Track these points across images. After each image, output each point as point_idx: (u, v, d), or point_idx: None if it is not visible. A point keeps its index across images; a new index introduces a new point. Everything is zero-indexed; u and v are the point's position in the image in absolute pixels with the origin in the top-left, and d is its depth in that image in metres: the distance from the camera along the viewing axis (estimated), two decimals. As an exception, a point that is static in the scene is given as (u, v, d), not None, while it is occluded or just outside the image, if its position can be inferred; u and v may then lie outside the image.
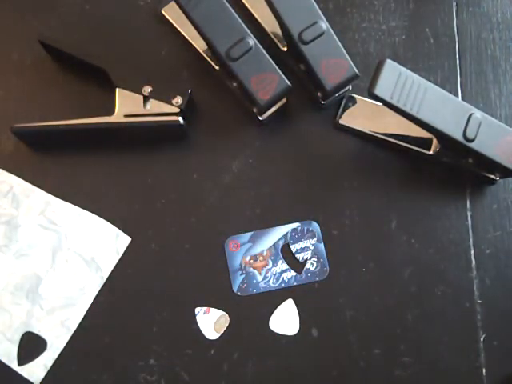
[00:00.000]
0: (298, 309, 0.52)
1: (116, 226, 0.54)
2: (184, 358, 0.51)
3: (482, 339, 0.52)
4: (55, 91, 0.56)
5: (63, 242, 0.53)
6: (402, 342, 0.52)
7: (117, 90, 0.53)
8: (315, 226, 0.54)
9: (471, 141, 0.48)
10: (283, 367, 0.51)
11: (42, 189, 0.54)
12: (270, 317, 0.52)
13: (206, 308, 0.52)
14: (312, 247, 0.53)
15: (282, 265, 0.53)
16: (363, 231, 0.54)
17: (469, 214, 0.54)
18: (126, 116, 0.52)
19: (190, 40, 0.57)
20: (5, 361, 0.51)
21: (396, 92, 0.47)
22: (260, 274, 0.53)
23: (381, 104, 0.48)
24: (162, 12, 0.58)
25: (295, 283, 0.53)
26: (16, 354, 0.51)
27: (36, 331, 0.52)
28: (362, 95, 0.56)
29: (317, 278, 0.53)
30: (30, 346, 0.51)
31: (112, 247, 0.53)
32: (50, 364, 0.51)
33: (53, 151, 0.55)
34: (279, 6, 0.51)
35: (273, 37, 0.56)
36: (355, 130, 0.55)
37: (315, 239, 0.54)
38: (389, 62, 0.47)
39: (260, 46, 0.51)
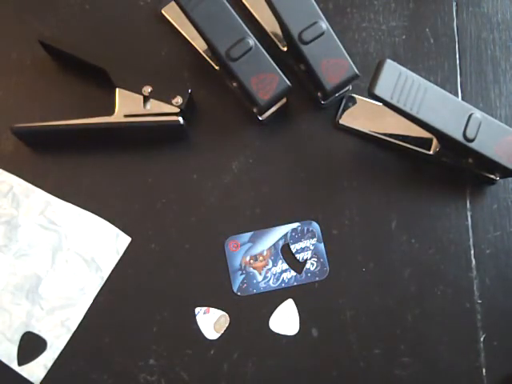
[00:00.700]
0: (298, 309, 0.52)
1: (116, 226, 0.54)
2: (184, 357, 0.51)
3: (482, 339, 0.52)
4: (55, 91, 0.56)
5: (63, 242, 0.53)
6: (402, 342, 0.52)
7: (117, 89, 0.53)
8: (315, 226, 0.54)
9: (471, 141, 0.48)
10: (283, 367, 0.51)
11: (42, 189, 0.54)
12: (269, 317, 0.52)
13: (206, 308, 0.52)
14: (312, 247, 0.53)
15: (282, 265, 0.53)
16: (363, 231, 0.54)
17: (469, 214, 0.54)
18: (126, 116, 0.52)
19: (190, 40, 0.57)
20: (5, 361, 0.51)
21: (396, 92, 0.47)
22: (260, 274, 0.53)
23: (381, 104, 0.48)
24: (162, 12, 0.58)
25: (295, 283, 0.53)
26: (16, 354, 0.51)
27: (36, 331, 0.52)
28: (362, 95, 0.56)
29: (317, 278, 0.53)
30: (30, 346, 0.51)
31: (112, 247, 0.53)
32: (49, 364, 0.51)
33: (53, 151, 0.55)
34: (279, 5, 0.51)
35: (273, 37, 0.56)
36: (355, 130, 0.55)
37: (315, 239, 0.54)
38: (389, 62, 0.47)
39: (260, 46, 0.51)
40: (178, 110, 0.52)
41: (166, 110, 0.52)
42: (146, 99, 0.53)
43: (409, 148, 0.55)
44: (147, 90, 0.52)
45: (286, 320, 0.52)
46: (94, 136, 0.54)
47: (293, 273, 0.53)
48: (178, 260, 0.53)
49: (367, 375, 0.51)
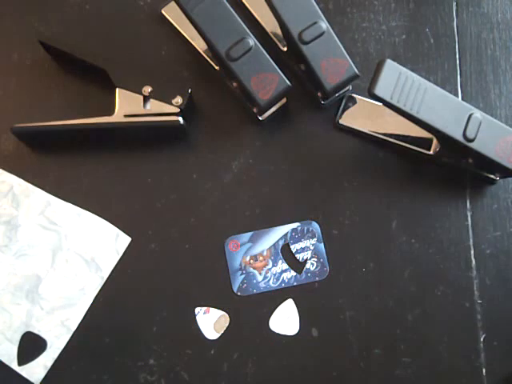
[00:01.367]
0: (298, 309, 0.52)
1: (116, 226, 0.54)
2: (184, 357, 0.51)
3: (482, 339, 0.52)
4: (55, 91, 0.56)
5: (63, 242, 0.53)
6: (402, 342, 0.52)
7: (117, 89, 0.53)
8: (315, 226, 0.54)
9: (471, 141, 0.48)
10: (283, 367, 0.51)
11: (42, 189, 0.54)
12: (270, 317, 0.52)
13: (205, 308, 0.52)
14: (312, 247, 0.53)
15: (282, 265, 0.53)
16: (363, 231, 0.54)
17: (469, 214, 0.54)
18: (125, 116, 0.52)
19: (190, 40, 0.57)
20: (5, 361, 0.51)
21: (396, 92, 0.47)
22: (260, 274, 0.53)
23: (381, 104, 0.48)
24: (162, 12, 0.58)
25: (295, 283, 0.53)
26: (16, 354, 0.51)
27: (36, 331, 0.52)
28: (362, 95, 0.56)
29: (317, 278, 0.53)
30: (30, 346, 0.51)
31: (112, 247, 0.53)
32: (49, 364, 0.51)
33: (53, 151, 0.55)
34: (279, 6, 0.51)
35: (273, 37, 0.56)
36: (355, 130, 0.55)
37: (315, 239, 0.54)
38: (389, 62, 0.47)
39: (260, 46, 0.51)
40: (178, 109, 0.52)
41: (165, 110, 0.52)
42: (145, 99, 0.53)
43: (409, 148, 0.55)
44: (147, 90, 0.52)
45: (285, 320, 0.52)
46: (94, 136, 0.54)
47: (293, 273, 0.53)
48: (178, 260, 0.53)
49: (367, 375, 0.51)
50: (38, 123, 0.52)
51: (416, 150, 0.54)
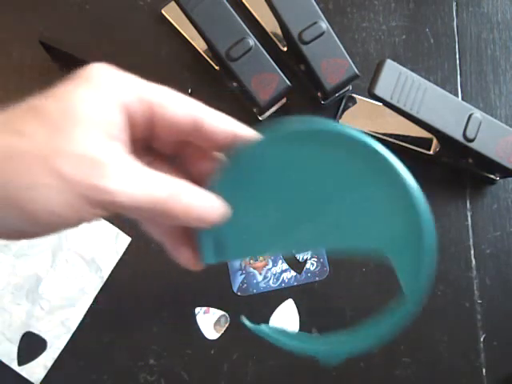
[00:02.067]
0: (297, 309, 0.52)
1: (116, 226, 0.54)
2: (184, 357, 0.51)
3: (482, 339, 0.52)
4: (55, 91, 0.56)
5: (63, 242, 0.53)
6: (402, 342, 0.52)
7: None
8: (315, 226, 0.54)
9: (471, 141, 0.48)
10: (283, 367, 0.51)
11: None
12: (270, 317, 0.52)
13: (205, 308, 0.52)
14: (312, 247, 0.54)
15: (282, 265, 0.53)
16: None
17: (469, 214, 0.54)
18: (126, 116, 0.52)
19: (190, 40, 0.57)
20: (5, 361, 0.51)
21: (396, 92, 0.47)
22: (260, 274, 0.53)
23: (381, 104, 0.48)
24: (162, 12, 0.58)
25: (295, 283, 0.53)
26: (16, 354, 0.51)
27: (36, 331, 0.52)
28: (362, 95, 0.56)
29: (317, 278, 0.53)
30: (30, 346, 0.51)
31: (112, 247, 0.53)
32: (49, 364, 0.51)
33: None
34: (279, 6, 0.51)
35: (273, 37, 0.56)
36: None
37: (315, 239, 0.54)
38: (389, 62, 0.47)
39: (260, 46, 0.51)
40: (178, 110, 0.52)
41: (166, 110, 0.52)
42: (146, 99, 0.52)
43: (409, 148, 0.55)
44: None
45: (286, 320, 0.52)
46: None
47: (293, 273, 0.53)
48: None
49: (367, 375, 0.51)
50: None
51: (416, 150, 0.54)
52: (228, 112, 0.31)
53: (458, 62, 0.58)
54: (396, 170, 0.27)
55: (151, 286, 0.53)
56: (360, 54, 0.58)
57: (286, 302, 0.52)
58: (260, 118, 0.55)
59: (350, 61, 0.52)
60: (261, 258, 0.53)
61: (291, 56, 0.55)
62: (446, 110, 0.48)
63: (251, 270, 0.53)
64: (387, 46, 0.58)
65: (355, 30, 0.59)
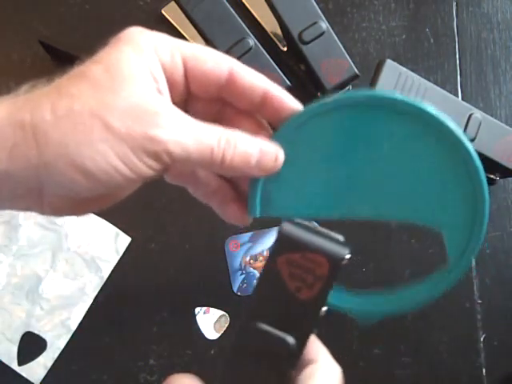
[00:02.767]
0: (298, 309, 0.52)
1: (116, 226, 0.54)
2: (184, 357, 0.51)
3: (482, 339, 0.52)
4: (55, 91, 0.56)
5: (63, 242, 0.53)
6: (401, 342, 0.52)
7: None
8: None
9: (471, 141, 0.48)
10: (283, 367, 0.51)
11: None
12: (270, 317, 0.52)
13: (205, 308, 0.52)
14: (312, 247, 0.53)
15: (282, 265, 0.53)
16: (363, 231, 0.54)
17: (469, 214, 0.54)
18: (126, 116, 0.52)
19: (190, 40, 0.57)
20: (5, 361, 0.51)
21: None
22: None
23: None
24: (162, 12, 0.58)
25: (295, 283, 0.53)
26: (16, 354, 0.51)
27: (36, 331, 0.52)
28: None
29: (317, 278, 0.53)
30: (30, 346, 0.51)
31: (112, 247, 0.53)
32: (49, 364, 0.51)
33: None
34: (279, 6, 0.51)
35: (273, 37, 0.56)
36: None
37: (315, 239, 0.54)
38: (389, 62, 0.47)
39: (260, 45, 0.51)
40: (178, 109, 0.52)
41: (166, 110, 0.52)
42: (146, 99, 0.52)
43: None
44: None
45: (286, 320, 0.52)
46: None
47: (293, 273, 0.53)
48: (178, 260, 0.53)
49: (367, 375, 0.51)
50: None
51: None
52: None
53: (458, 61, 0.58)
54: (460, 140, 0.27)
55: (151, 286, 0.53)
56: (360, 54, 0.58)
57: (286, 301, 0.52)
58: (260, 118, 0.55)
59: (350, 61, 0.52)
60: (261, 257, 0.53)
61: (291, 56, 0.55)
62: (445, 110, 0.48)
63: (251, 269, 0.53)
64: (387, 46, 0.58)
65: (355, 30, 0.59)
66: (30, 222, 0.53)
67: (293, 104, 0.30)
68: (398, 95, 0.28)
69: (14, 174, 0.24)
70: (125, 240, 0.53)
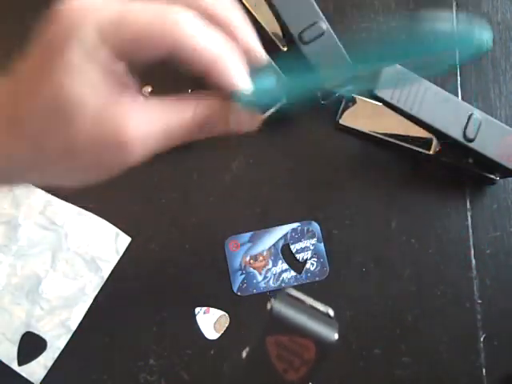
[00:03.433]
0: (298, 309, 0.52)
1: (116, 226, 0.54)
2: (184, 357, 0.51)
3: (482, 339, 0.52)
4: (55, 91, 0.56)
5: (63, 242, 0.53)
6: (402, 341, 0.52)
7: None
8: (315, 226, 0.54)
9: (471, 141, 0.48)
10: (283, 367, 0.51)
11: (42, 189, 0.54)
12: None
13: (205, 308, 0.52)
14: (312, 247, 0.53)
15: (282, 265, 0.53)
16: (363, 231, 0.54)
17: (469, 214, 0.54)
18: (126, 116, 0.52)
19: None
20: (5, 361, 0.51)
21: (396, 92, 0.47)
22: (260, 274, 0.53)
23: (381, 104, 0.48)
24: (162, 12, 0.58)
25: (295, 283, 0.53)
26: (16, 354, 0.51)
27: (36, 331, 0.52)
28: (362, 95, 0.56)
29: (317, 278, 0.53)
30: (30, 345, 0.51)
31: (112, 247, 0.53)
32: (49, 364, 0.51)
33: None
34: (279, 5, 0.51)
35: (273, 37, 0.56)
36: (355, 130, 0.55)
37: (315, 239, 0.54)
38: (389, 61, 0.47)
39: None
40: (178, 109, 0.52)
41: (166, 110, 0.52)
42: (145, 99, 0.52)
43: (409, 148, 0.55)
44: (147, 90, 0.52)
45: (286, 320, 0.52)
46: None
47: (293, 273, 0.53)
48: (178, 260, 0.53)
49: (367, 375, 0.51)
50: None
51: (416, 150, 0.54)
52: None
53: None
54: None
55: (151, 286, 0.53)
56: (360, 54, 0.58)
57: (286, 301, 0.52)
58: (260, 118, 0.55)
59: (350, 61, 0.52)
60: (261, 257, 0.53)
61: (291, 56, 0.55)
62: (446, 110, 0.48)
63: (251, 269, 0.53)
64: (387, 46, 0.58)
65: (355, 30, 0.59)
66: (30, 222, 0.53)
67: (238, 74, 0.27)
68: None
69: None
70: (125, 240, 0.53)
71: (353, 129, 0.55)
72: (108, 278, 0.53)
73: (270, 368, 0.27)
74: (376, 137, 0.55)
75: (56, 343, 0.51)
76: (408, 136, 0.55)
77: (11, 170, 0.26)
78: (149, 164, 0.57)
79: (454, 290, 0.53)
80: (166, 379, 0.51)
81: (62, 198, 0.54)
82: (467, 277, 0.53)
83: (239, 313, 0.52)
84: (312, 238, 0.54)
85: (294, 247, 0.54)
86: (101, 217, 0.54)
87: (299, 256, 0.53)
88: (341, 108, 0.56)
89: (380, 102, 0.48)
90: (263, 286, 0.53)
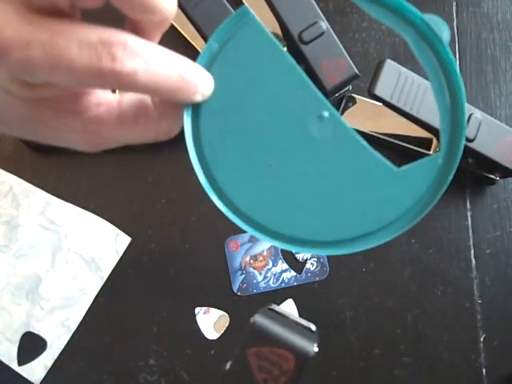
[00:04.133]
0: (297, 309, 0.52)
1: (116, 226, 0.54)
2: (184, 358, 0.51)
3: (482, 339, 0.52)
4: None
5: (63, 242, 0.53)
6: (402, 342, 0.52)
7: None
8: (315, 226, 0.54)
9: (471, 141, 0.48)
10: (283, 367, 0.51)
11: (41, 189, 0.54)
12: (270, 317, 0.52)
13: (205, 308, 0.52)
14: (312, 247, 0.53)
15: (282, 265, 0.53)
16: (363, 231, 0.54)
17: (469, 214, 0.54)
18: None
19: (190, 40, 0.57)
20: (5, 361, 0.51)
21: (396, 92, 0.47)
22: (260, 274, 0.53)
23: (381, 104, 0.48)
24: (162, 12, 0.58)
25: (295, 283, 0.53)
26: (16, 354, 0.51)
27: (36, 331, 0.52)
28: (362, 95, 0.56)
29: (317, 278, 0.53)
30: (30, 345, 0.51)
31: (112, 247, 0.53)
32: (49, 364, 0.51)
33: (53, 151, 0.55)
34: (279, 6, 0.51)
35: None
36: (355, 130, 0.55)
37: (315, 239, 0.54)
38: (389, 61, 0.47)
39: (260, 45, 0.51)
40: (178, 109, 0.52)
41: (166, 110, 0.52)
42: (145, 99, 0.52)
43: (409, 148, 0.55)
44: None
45: (286, 320, 0.52)
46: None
47: (293, 273, 0.53)
48: (178, 260, 0.53)
49: (367, 375, 0.51)
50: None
51: (416, 150, 0.54)
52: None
53: (458, 62, 0.58)
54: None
55: (151, 286, 0.53)
56: (360, 54, 0.58)
57: (286, 302, 0.53)
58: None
59: (350, 61, 0.52)
60: (261, 257, 0.53)
61: (291, 56, 0.55)
62: (445, 110, 0.48)
63: (251, 269, 0.53)
64: (387, 46, 0.58)
65: (355, 30, 0.59)
66: (29, 222, 0.53)
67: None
68: None
69: None
70: (125, 240, 0.54)
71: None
72: (108, 278, 0.53)
73: (251, 379, 0.28)
74: (376, 137, 0.55)
75: (56, 343, 0.51)
76: (408, 136, 0.55)
77: None
78: (149, 164, 0.58)
79: (454, 290, 0.53)
80: (165, 379, 0.51)
81: (61, 198, 0.54)
82: (467, 277, 0.53)
83: (239, 313, 0.52)
84: (312, 238, 0.54)
85: (293, 247, 0.54)
86: (101, 217, 0.54)
87: (299, 256, 0.53)
88: (341, 108, 0.56)
89: (380, 101, 0.48)
90: (263, 286, 0.53)
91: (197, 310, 0.52)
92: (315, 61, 0.51)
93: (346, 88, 0.55)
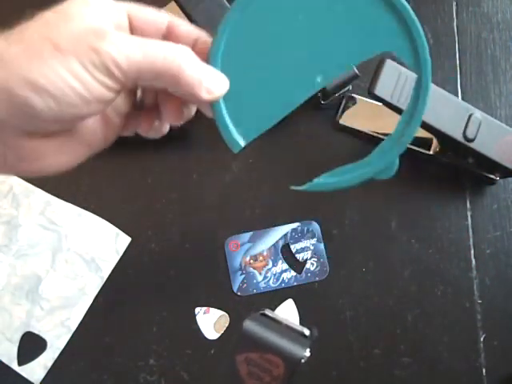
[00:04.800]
0: (297, 309, 0.52)
1: (116, 226, 0.54)
2: (184, 358, 0.51)
3: (481, 339, 0.52)
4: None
5: (63, 242, 0.53)
6: (402, 342, 0.52)
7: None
8: (315, 226, 0.54)
9: (471, 141, 0.48)
10: (283, 367, 0.51)
11: (41, 189, 0.54)
12: (270, 317, 0.52)
13: (205, 308, 0.52)
14: (312, 247, 0.53)
15: (282, 265, 0.53)
16: (363, 231, 0.54)
17: (469, 214, 0.54)
18: (126, 116, 0.52)
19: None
20: (5, 361, 0.51)
21: (396, 92, 0.47)
22: (260, 274, 0.53)
23: (381, 104, 0.48)
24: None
25: (295, 283, 0.53)
26: (16, 354, 0.51)
27: (36, 331, 0.52)
28: (362, 95, 0.56)
29: (317, 278, 0.53)
30: (30, 345, 0.51)
31: (112, 247, 0.53)
32: (49, 364, 0.51)
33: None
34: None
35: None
36: (355, 130, 0.55)
37: (315, 239, 0.54)
38: (389, 61, 0.47)
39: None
40: (178, 109, 0.52)
41: (166, 110, 0.52)
42: (145, 99, 0.52)
43: (409, 148, 0.54)
44: (147, 89, 0.52)
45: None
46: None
47: (293, 273, 0.53)
48: (178, 260, 0.53)
49: (367, 375, 0.51)
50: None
51: (416, 150, 0.54)
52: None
53: (457, 62, 0.58)
54: None
55: (151, 286, 0.53)
56: (360, 54, 0.58)
57: (286, 302, 0.52)
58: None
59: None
60: (261, 257, 0.53)
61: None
62: (445, 110, 0.48)
63: (251, 269, 0.53)
64: (387, 46, 0.58)
65: (355, 30, 0.58)
66: (29, 222, 0.53)
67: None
68: None
69: None
70: (125, 240, 0.54)
71: (353, 129, 0.55)
72: (108, 278, 0.53)
73: None
74: (376, 137, 0.55)
75: (56, 343, 0.51)
76: (408, 136, 0.55)
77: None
78: (149, 164, 0.58)
79: (454, 290, 0.53)
80: (166, 379, 0.51)
81: (61, 198, 0.54)
82: (467, 277, 0.53)
83: (239, 313, 0.52)
84: (312, 238, 0.54)
85: (293, 247, 0.54)
86: (101, 217, 0.54)
87: (299, 256, 0.53)
88: (341, 108, 0.56)
89: (380, 101, 0.48)
90: (263, 286, 0.53)
91: (197, 310, 0.52)
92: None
93: (346, 88, 0.55)
